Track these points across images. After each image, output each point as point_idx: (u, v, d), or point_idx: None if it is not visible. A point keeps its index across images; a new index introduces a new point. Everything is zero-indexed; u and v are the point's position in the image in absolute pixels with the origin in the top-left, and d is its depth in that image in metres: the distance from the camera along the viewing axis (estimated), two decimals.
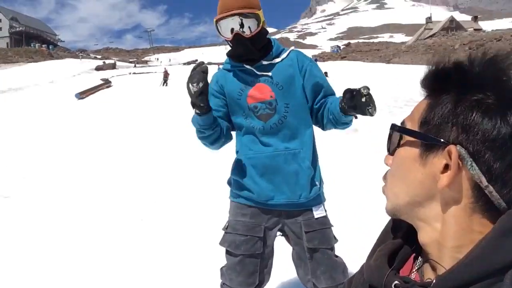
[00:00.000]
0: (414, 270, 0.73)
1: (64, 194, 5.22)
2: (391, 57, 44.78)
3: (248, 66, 1.93)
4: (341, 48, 75.10)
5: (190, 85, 1.71)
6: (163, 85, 28.98)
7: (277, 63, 1.94)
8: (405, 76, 23.07)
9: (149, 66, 62.34)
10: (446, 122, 0.63)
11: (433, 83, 0.68)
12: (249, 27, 1.85)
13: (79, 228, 4.04)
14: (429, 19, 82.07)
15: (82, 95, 23.74)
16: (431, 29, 72.55)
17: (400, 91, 18.00)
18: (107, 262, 3.26)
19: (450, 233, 0.62)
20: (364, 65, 32.94)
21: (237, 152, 2.03)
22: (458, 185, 0.61)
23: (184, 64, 59.07)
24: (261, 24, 1.87)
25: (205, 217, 3.98)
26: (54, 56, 77.69)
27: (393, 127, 0.72)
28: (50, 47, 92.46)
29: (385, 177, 0.75)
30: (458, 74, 0.64)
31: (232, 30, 1.84)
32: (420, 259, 0.73)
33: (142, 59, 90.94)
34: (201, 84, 1.69)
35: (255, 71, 1.92)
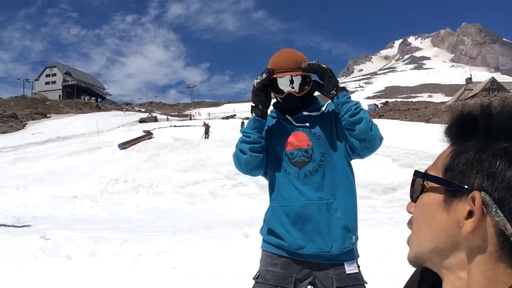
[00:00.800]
0: None
1: (98, 240, 5.34)
2: (431, 117, 44.26)
3: (288, 117, 2.04)
4: (378, 106, 75.13)
5: (255, 80, 2.00)
6: (205, 137, 29.96)
7: (316, 115, 2.04)
8: None
9: (190, 119, 64.31)
10: (470, 168, 0.63)
11: (458, 129, 0.68)
12: (300, 87, 1.98)
13: (111, 274, 4.10)
14: (469, 80, 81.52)
15: (124, 145, 24.71)
16: (472, 89, 71.77)
17: (440, 151, 17.63)
18: None
19: (475, 283, 0.61)
20: (403, 123, 32.68)
21: (270, 200, 2.07)
22: (483, 232, 0.60)
23: (222, 118, 60.54)
24: (311, 84, 2.00)
25: (236, 267, 3.96)
26: (102, 108, 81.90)
27: (416, 173, 0.72)
28: (99, 100, 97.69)
29: (410, 223, 0.74)
30: (485, 120, 0.64)
31: (283, 89, 1.98)
32: None
33: (183, 113, 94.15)
34: (264, 75, 1.97)
35: (295, 121, 2.03)
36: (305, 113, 2.03)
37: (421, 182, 0.71)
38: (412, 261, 0.71)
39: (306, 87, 1.98)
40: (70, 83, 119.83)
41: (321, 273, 1.92)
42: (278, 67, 1.98)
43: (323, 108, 2.07)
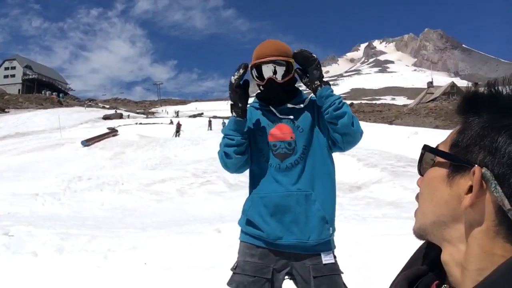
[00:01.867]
0: None
1: (64, 236, 5.21)
2: (394, 119, 45.57)
3: (273, 108, 2.04)
4: None
5: (231, 77, 1.98)
6: (175, 135, 29.88)
7: (300, 108, 2.05)
8: (408, 137, 23.36)
9: (156, 117, 63.41)
10: (474, 144, 0.64)
11: (466, 106, 0.69)
12: (282, 74, 1.98)
13: (80, 270, 4.01)
14: (430, 84, 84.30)
15: (88, 142, 24.09)
16: (433, 93, 74.29)
17: (403, 151, 18.20)
18: None
19: (472, 256, 0.63)
20: (367, 125, 33.44)
21: (250, 191, 2.08)
22: (482, 207, 0.61)
23: (190, 116, 60.13)
24: (293, 72, 2.01)
25: (210, 261, 3.95)
26: (64, 104, 79.35)
27: (425, 147, 0.73)
28: (61, 95, 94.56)
29: (417, 197, 0.76)
30: (491, 97, 0.65)
31: (265, 75, 1.98)
32: (444, 286, 0.71)
33: (149, 111, 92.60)
34: (241, 71, 1.96)
35: (279, 113, 2.03)
36: (289, 105, 2.04)
37: (430, 157, 0.72)
38: (416, 232, 0.73)
39: (288, 74, 1.99)
40: (30, 77, 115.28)
41: (299, 263, 1.94)
42: (261, 54, 1.98)
43: (306, 101, 2.08)
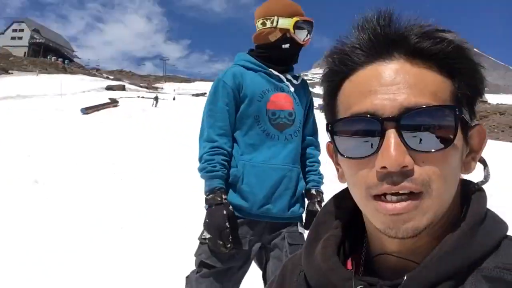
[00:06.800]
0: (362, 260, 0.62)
1: (51, 200, 5.26)
2: None
3: (275, 72, 1.91)
4: None
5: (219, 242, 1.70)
6: (154, 106, 32.00)
7: (296, 83, 1.97)
8: None
9: (159, 92, 63.43)
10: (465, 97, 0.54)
11: (380, 44, 0.55)
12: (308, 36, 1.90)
13: (57, 235, 4.06)
14: None
15: (87, 110, 24.02)
16: None
17: None
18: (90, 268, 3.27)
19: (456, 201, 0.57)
20: None
21: (239, 157, 1.85)
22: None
23: (193, 95, 60.26)
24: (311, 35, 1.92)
25: (184, 226, 4.00)
26: (68, 70, 79.19)
27: (451, 107, 0.51)
28: (66, 62, 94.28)
29: (416, 183, 0.49)
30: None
31: (302, 36, 1.88)
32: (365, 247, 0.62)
33: (153, 86, 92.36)
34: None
35: (279, 80, 1.92)
36: (288, 76, 1.95)
37: (450, 121, 0.50)
38: (421, 229, 0.51)
39: (309, 35, 1.90)
40: (37, 41, 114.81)
41: (274, 234, 1.87)
42: (301, 12, 1.87)
43: (300, 79, 2.01)
